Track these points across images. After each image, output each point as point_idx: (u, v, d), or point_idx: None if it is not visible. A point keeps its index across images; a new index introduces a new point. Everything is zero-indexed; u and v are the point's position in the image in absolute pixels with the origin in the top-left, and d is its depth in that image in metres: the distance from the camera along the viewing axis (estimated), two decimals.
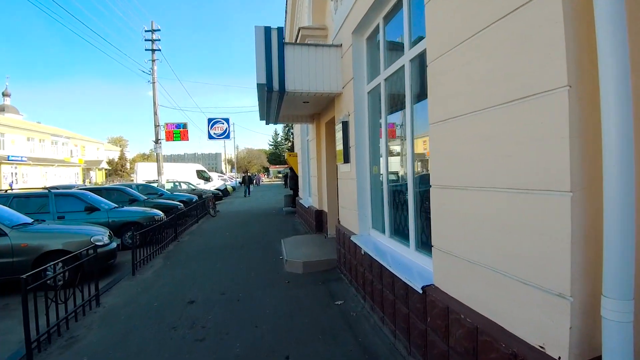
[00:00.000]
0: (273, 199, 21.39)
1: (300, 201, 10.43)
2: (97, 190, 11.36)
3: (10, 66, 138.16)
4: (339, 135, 5.16)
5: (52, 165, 42.82)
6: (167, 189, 17.47)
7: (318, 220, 7.86)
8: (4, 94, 53.23)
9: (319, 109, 7.27)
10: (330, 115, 6.89)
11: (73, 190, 9.98)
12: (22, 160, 37.81)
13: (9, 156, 36.02)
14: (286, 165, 66.30)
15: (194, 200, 14.13)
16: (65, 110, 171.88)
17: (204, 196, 14.08)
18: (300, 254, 6.17)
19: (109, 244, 6.47)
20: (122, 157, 70.82)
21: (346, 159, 4.97)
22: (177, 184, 18.79)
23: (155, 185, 17.01)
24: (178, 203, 12.07)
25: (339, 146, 5.21)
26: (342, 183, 5.47)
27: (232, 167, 44.53)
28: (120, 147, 76.28)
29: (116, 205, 9.26)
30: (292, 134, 39.65)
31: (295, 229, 9.74)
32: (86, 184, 47.96)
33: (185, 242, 8.75)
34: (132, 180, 27.40)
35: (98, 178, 53.73)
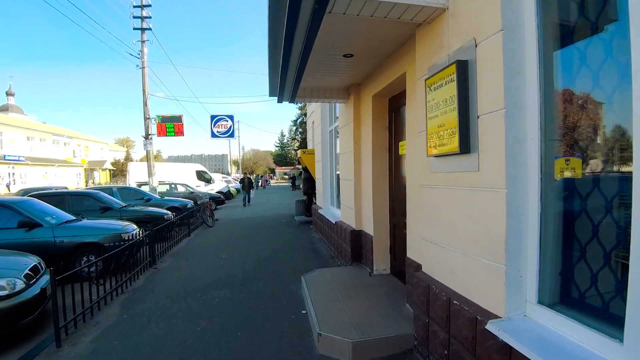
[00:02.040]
0: (281, 203, 18.65)
1: (320, 211, 7.70)
2: (61, 196, 8.73)
3: (21, 69, 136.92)
4: (443, 92, 2.41)
5: (53, 165, 40.53)
6: (159, 192, 14.79)
7: (355, 245, 5.11)
8: (7, 93, 51.58)
9: (363, 73, 4.54)
10: (382, 82, 4.17)
11: (8, 198, 7.32)
12: (19, 160, 35.50)
13: (5, 155, 33.68)
14: (292, 167, 64.03)
15: (188, 207, 11.44)
16: (73, 112, 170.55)
17: (199, 202, 11.35)
18: (343, 319, 3.41)
19: (22, 290, 3.81)
20: (127, 157, 68.56)
21: (464, 146, 2.21)
22: (173, 186, 16.10)
23: (144, 188, 14.36)
24: (166, 211, 9.37)
25: (440, 116, 2.46)
26: (436, 195, 2.71)
27: (238, 168, 41.96)
28: (126, 147, 73.97)
29: (72, 218, 6.58)
30: (300, 132, 36.70)
31: (316, 250, 6.99)
32: (89, 184, 45.73)
33: (164, 272, 6.03)
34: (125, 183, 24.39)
35: (102, 179, 51.48)
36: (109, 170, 53.48)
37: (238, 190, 24.12)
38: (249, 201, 18.05)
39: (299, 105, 35.24)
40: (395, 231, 4.49)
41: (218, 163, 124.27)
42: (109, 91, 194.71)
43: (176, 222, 8.75)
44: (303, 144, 35.50)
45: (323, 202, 7.86)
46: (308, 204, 10.39)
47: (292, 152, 68.42)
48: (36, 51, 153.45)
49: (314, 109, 8.60)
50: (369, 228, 4.80)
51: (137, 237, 6.23)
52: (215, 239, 8.63)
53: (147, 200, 11.05)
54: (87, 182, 46.55)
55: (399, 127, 4.42)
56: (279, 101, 5.22)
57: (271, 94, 5.36)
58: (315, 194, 10.46)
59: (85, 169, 47.63)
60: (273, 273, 5.52)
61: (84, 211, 8.28)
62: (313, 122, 9.44)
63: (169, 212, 9.49)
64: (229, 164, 57.00)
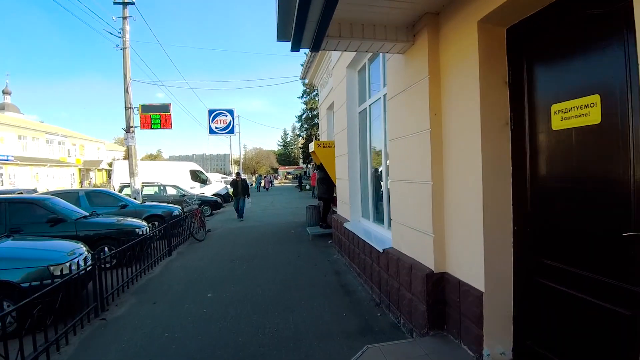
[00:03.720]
0: (287, 207, 16.41)
1: (347, 226, 5.48)
2: None
3: (23, 70, 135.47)
4: None
5: (45, 165, 38.60)
6: (144, 196, 12.64)
7: (436, 301, 2.85)
8: (4, 92, 50.13)
9: None
10: None
11: None
12: (8, 160, 33.56)
13: None
14: (296, 167, 61.67)
15: (174, 215, 9.24)
16: (75, 112, 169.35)
17: (186, 208, 9.10)
18: None
19: None
20: (126, 157, 66.55)
21: None
22: (161, 188, 13.90)
23: (127, 190, 12.24)
24: (139, 223, 7.16)
25: None
26: None
27: (239, 168, 39.83)
28: (125, 147, 71.85)
29: None
30: (306, 128, 34.09)
31: (347, 287, 4.73)
32: (84, 185, 43.72)
33: (113, 329, 3.80)
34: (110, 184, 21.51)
35: (98, 179, 49.57)
36: (105, 170, 51.55)
37: None
38: (241, 215, 12.42)
39: (304, 99, 32.95)
40: (534, 284, 2.27)
41: (220, 163, 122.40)
42: (111, 91, 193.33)
43: (151, 237, 6.56)
44: (309, 142, 33.16)
45: (350, 213, 5.63)
46: (324, 211, 8.16)
47: (296, 151, 66.03)
48: (37, 52, 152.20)
49: (334, 85, 6.36)
50: (469, 273, 2.56)
51: (83, 268, 4.07)
52: (203, 262, 6.41)
53: (123, 206, 8.86)
54: (81, 182, 44.67)
55: (537, 80, 2.20)
56: (295, 47, 2.98)
57: (281, 37, 3.14)
58: (333, 199, 8.24)
59: (80, 169, 45.82)
60: (286, 340, 3.28)
61: (27, 224, 6.19)
62: (332, 105, 7.21)
63: (144, 223, 7.29)
64: (230, 163, 54.83)
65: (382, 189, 4.50)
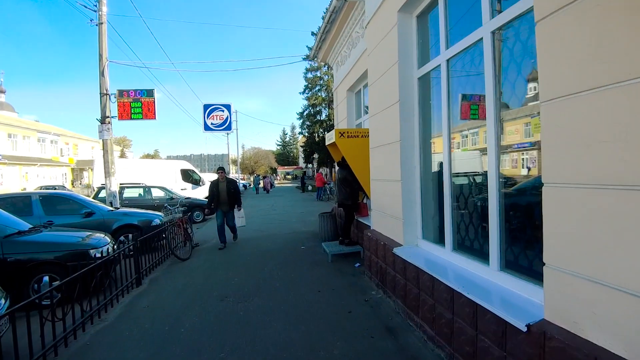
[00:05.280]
0: (291, 211, 14.39)
1: (403, 255, 3.53)
2: None
3: (22, 70, 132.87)
4: None
5: (35, 164, 36.49)
6: (126, 199, 10.66)
7: None
8: None
9: None
10: None
11: None
12: None
13: None
14: (295, 167, 59.49)
15: (154, 225, 7.26)
16: (72, 112, 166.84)
17: (165, 218, 7.01)
18: None
19: None
20: (122, 156, 64.36)
21: None
22: (146, 189, 11.89)
23: (101, 193, 10.27)
24: (100, 240, 5.17)
25: None
26: None
27: (237, 168, 37.80)
28: (123, 147, 69.60)
29: None
30: (308, 125, 31.80)
31: None
32: (76, 185, 41.60)
33: None
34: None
35: (90, 179, 47.50)
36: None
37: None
38: (235, 236, 7.85)
39: (306, 95, 30.97)
40: None
41: (218, 163, 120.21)
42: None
43: (112, 261, 4.60)
44: (310, 139, 31.11)
45: (403, 233, 3.69)
46: (346, 222, 6.19)
47: (295, 150, 63.96)
48: (36, 52, 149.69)
49: (373, 45, 4.40)
50: None
51: None
52: (182, 300, 4.41)
53: (88, 214, 6.88)
54: (73, 182, 42.62)
55: None
56: None
57: None
58: (358, 206, 6.29)
59: (72, 168, 43.76)
60: None
61: None
62: (360, 79, 5.27)
63: (107, 238, 5.32)
64: (229, 163, 52.83)
65: (481, 199, 2.56)
